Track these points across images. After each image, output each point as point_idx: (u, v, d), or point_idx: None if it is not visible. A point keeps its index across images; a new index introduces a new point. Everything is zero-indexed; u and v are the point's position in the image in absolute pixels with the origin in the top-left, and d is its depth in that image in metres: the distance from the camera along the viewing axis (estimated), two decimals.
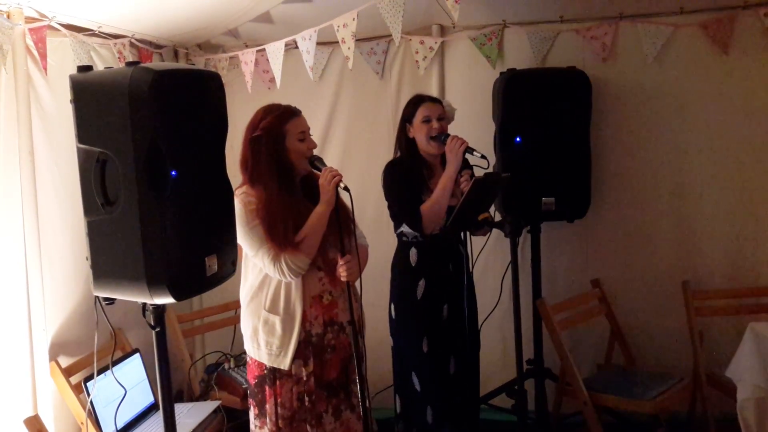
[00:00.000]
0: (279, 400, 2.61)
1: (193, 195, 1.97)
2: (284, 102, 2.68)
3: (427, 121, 3.05)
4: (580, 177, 3.49)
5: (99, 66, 3.20)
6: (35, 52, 2.90)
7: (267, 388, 2.63)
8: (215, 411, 3.34)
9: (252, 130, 2.58)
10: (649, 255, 3.80)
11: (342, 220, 2.60)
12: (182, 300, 1.99)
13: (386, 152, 3.24)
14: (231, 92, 3.18)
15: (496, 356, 3.87)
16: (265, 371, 2.63)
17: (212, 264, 2.04)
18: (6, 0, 2.70)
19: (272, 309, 2.59)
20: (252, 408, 2.71)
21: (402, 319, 3.12)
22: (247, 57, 3.84)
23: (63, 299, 3.08)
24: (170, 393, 2.14)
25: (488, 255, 3.61)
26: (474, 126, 3.58)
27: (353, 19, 3.23)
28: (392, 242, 3.18)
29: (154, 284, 1.88)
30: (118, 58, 3.39)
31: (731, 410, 3.07)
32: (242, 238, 2.50)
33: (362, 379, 2.56)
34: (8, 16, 2.75)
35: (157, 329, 2.10)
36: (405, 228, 3.07)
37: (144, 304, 2.05)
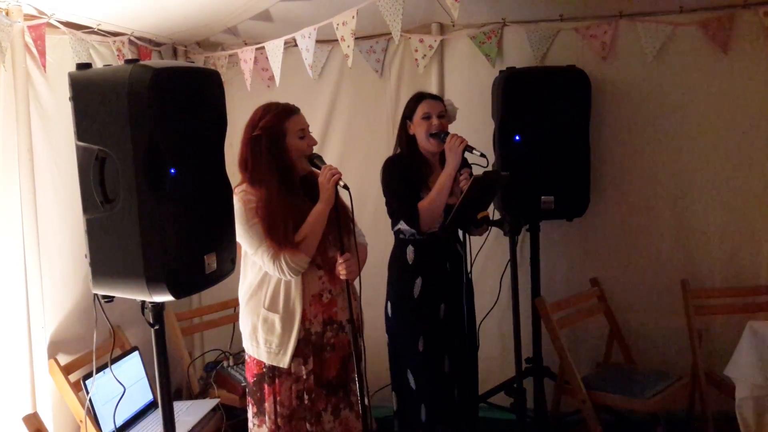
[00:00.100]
0: (278, 399, 2.61)
1: (192, 193, 1.97)
2: (283, 100, 2.68)
3: (427, 117, 3.05)
4: (580, 176, 3.49)
5: (98, 63, 3.20)
6: (34, 50, 2.90)
7: (266, 386, 2.63)
8: (214, 409, 3.34)
9: (251, 130, 2.58)
10: (648, 254, 3.80)
11: (341, 218, 2.60)
12: (181, 298, 1.99)
13: (385, 151, 3.24)
14: (230, 90, 3.19)
15: (495, 355, 3.87)
16: (264, 369, 2.63)
17: (211, 262, 2.04)
18: None
19: (272, 307, 2.59)
20: (250, 406, 2.71)
21: (398, 318, 3.12)
22: (247, 55, 3.83)
23: (62, 297, 3.08)
24: (169, 391, 2.15)
25: (487, 254, 3.61)
26: (473, 124, 3.58)
27: (353, 17, 3.23)
28: (391, 241, 3.18)
29: (153, 282, 1.88)
30: (117, 55, 3.38)
31: (730, 409, 3.07)
32: (242, 237, 2.50)
33: (361, 377, 2.56)
34: (7, 14, 2.75)
35: (156, 327, 2.10)
36: (402, 225, 3.07)
37: (143, 302, 2.05)
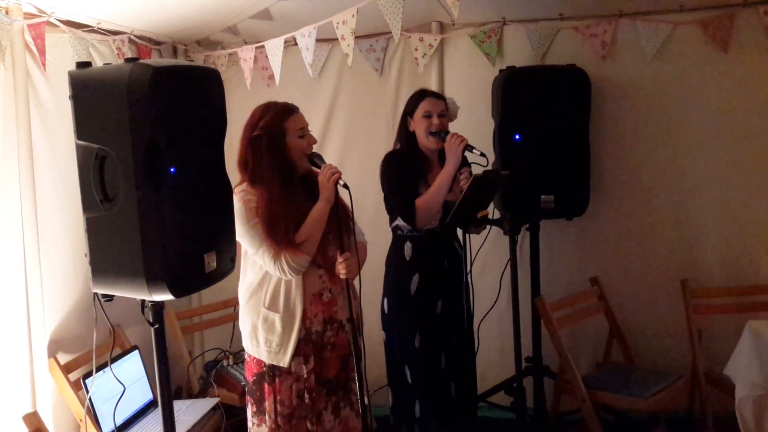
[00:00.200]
0: (278, 398, 2.61)
1: (192, 192, 1.97)
2: (283, 99, 2.68)
3: (427, 116, 3.05)
4: (579, 175, 3.49)
5: (98, 62, 3.20)
6: (34, 49, 2.90)
7: (266, 385, 2.63)
8: (214, 408, 3.34)
9: (251, 130, 2.57)
10: (647, 253, 3.80)
11: (341, 217, 2.60)
12: (181, 297, 1.99)
13: (385, 149, 3.23)
14: (230, 89, 3.19)
15: (494, 354, 3.87)
16: (264, 369, 2.63)
17: (211, 261, 2.04)
18: None
19: (272, 306, 2.59)
20: (250, 405, 2.71)
21: (394, 314, 3.12)
22: (247, 54, 3.83)
23: (62, 296, 3.08)
24: (169, 390, 2.15)
25: (487, 253, 3.60)
26: (473, 123, 3.58)
27: (353, 15, 3.23)
28: (390, 239, 3.18)
29: (152, 281, 1.88)
30: (117, 54, 3.38)
31: (729, 408, 3.07)
32: (242, 237, 2.50)
33: (361, 376, 2.56)
34: (7, 12, 2.75)
35: (156, 326, 2.10)
36: (400, 221, 3.07)
37: (143, 301, 2.05)
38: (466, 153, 3.01)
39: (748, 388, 2.97)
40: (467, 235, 3.05)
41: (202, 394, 3.67)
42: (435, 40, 3.81)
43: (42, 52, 2.91)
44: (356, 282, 2.65)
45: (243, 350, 2.76)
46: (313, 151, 2.65)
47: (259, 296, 2.61)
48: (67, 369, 2.99)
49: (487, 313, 3.46)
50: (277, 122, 2.56)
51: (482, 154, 2.99)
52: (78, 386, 2.99)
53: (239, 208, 2.46)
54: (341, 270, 2.58)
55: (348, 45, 3.29)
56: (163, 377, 2.11)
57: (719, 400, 3.39)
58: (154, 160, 1.85)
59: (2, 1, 2.73)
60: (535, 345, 3.66)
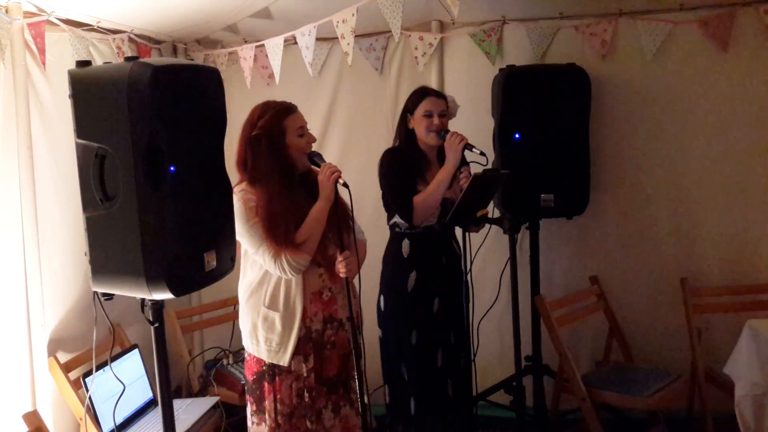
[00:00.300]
0: (278, 397, 2.61)
1: (192, 191, 1.97)
2: (283, 98, 2.67)
3: (428, 115, 3.05)
4: (579, 174, 3.48)
5: (98, 61, 3.20)
6: (34, 47, 2.90)
7: (266, 384, 2.63)
8: (214, 407, 3.34)
9: (250, 130, 2.57)
10: (647, 252, 3.80)
11: (341, 216, 2.60)
12: (181, 296, 1.99)
13: (385, 148, 3.23)
14: (230, 88, 3.19)
15: (494, 352, 3.87)
16: (264, 367, 2.63)
17: (211, 260, 2.04)
18: None
19: (272, 305, 2.59)
20: (249, 404, 2.71)
21: (391, 311, 3.12)
22: (246, 52, 3.83)
23: (61, 295, 3.08)
24: (169, 389, 2.15)
25: (487, 251, 3.61)
26: (473, 122, 3.58)
27: (352, 14, 3.23)
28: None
29: (152, 280, 1.89)
30: (117, 53, 3.38)
31: (729, 407, 3.07)
32: (242, 236, 2.50)
33: (361, 375, 2.56)
34: (7, 11, 2.75)
35: (156, 325, 2.10)
36: (398, 219, 3.07)
37: (143, 300, 2.06)
38: (466, 152, 3.01)
39: (747, 386, 2.97)
40: (467, 234, 3.05)
41: (202, 393, 3.67)
42: (435, 39, 3.81)
43: (42, 50, 2.91)
44: (356, 280, 2.65)
45: (243, 349, 2.76)
46: (313, 149, 2.65)
47: (259, 295, 2.61)
48: (67, 368, 3.00)
49: (487, 311, 3.47)
50: (276, 121, 2.56)
51: (482, 153, 2.99)
52: (78, 385, 2.99)
53: (239, 208, 2.46)
54: (341, 269, 2.58)
55: (348, 44, 3.29)
56: (162, 376, 2.12)
57: (719, 398, 3.39)
58: (154, 159, 1.85)
59: (2, 0, 2.73)
60: (535, 344, 3.66)
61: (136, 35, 3.57)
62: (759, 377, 2.93)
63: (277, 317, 2.58)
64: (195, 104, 2.00)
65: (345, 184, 2.54)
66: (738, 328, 3.12)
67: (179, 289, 1.94)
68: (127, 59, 1.88)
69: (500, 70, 3.58)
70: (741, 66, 3.57)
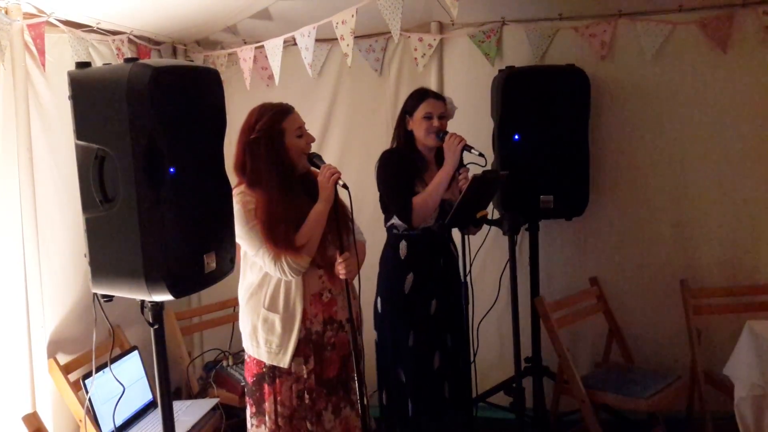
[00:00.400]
0: (278, 398, 2.61)
1: (192, 192, 1.97)
2: (283, 99, 2.67)
3: (428, 117, 3.05)
4: (579, 175, 3.49)
5: (97, 62, 3.20)
6: (33, 49, 2.90)
7: (266, 386, 2.63)
8: (213, 408, 3.34)
9: (248, 133, 2.56)
10: (647, 253, 3.80)
11: (340, 217, 2.60)
12: (180, 297, 1.99)
13: (384, 149, 3.23)
14: (229, 89, 3.19)
15: (494, 354, 3.87)
16: (264, 369, 2.63)
17: (211, 261, 2.04)
18: None
19: (271, 307, 2.59)
20: (249, 406, 2.70)
21: (388, 313, 3.12)
22: (246, 54, 3.83)
23: (61, 296, 3.08)
24: (169, 390, 2.15)
25: (486, 253, 3.61)
26: (472, 123, 3.57)
27: (352, 15, 3.23)
28: None
29: (152, 281, 1.88)
30: (117, 54, 3.38)
31: (729, 408, 3.07)
32: (242, 239, 2.49)
33: (361, 376, 2.56)
34: (6, 12, 2.75)
35: (156, 326, 2.10)
36: (396, 220, 3.07)
37: (142, 302, 2.05)
38: (465, 153, 3.01)
39: (747, 388, 2.97)
40: (466, 238, 3.04)
41: (202, 394, 3.66)
42: (434, 40, 3.81)
43: (41, 52, 2.91)
44: (355, 281, 2.65)
45: (242, 351, 2.76)
46: (312, 150, 2.65)
47: (259, 297, 2.61)
48: (66, 369, 2.99)
49: (487, 313, 3.47)
50: (274, 123, 2.55)
51: (481, 154, 3.00)
52: (78, 387, 2.99)
53: (238, 211, 2.45)
54: (341, 270, 2.58)
55: (347, 45, 3.29)
56: (162, 378, 2.11)
57: (718, 400, 3.39)
58: (154, 161, 1.85)
59: (2, 1, 2.73)
60: (535, 345, 3.66)
61: (135, 36, 3.57)
62: (758, 378, 2.93)
63: (277, 319, 2.58)
64: (195, 105, 2.00)
65: (345, 186, 2.54)
66: (737, 330, 3.12)
67: (179, 290, 1.94)
68: (127, 60, 1.88)
69: (500, 71, 3.58)
70: (740, 67, 3.57)
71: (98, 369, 2.93)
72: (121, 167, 1.85)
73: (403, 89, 3.85)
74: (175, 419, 2.19)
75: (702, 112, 3.65)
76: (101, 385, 2.99)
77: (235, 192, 2.50)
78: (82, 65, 1.93)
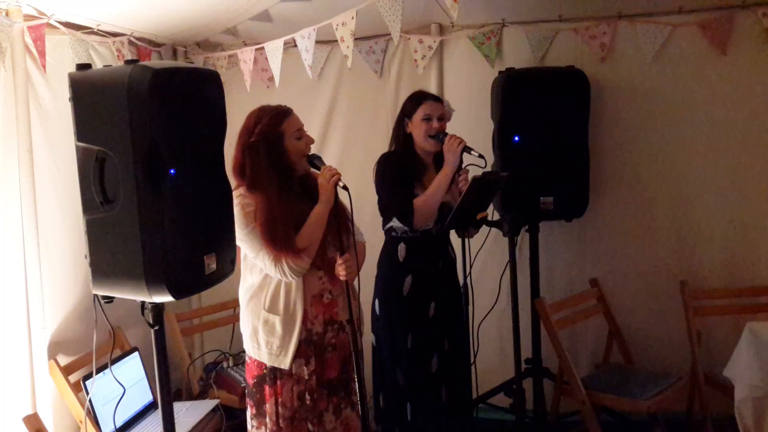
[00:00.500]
0: (279, 400, 2.61)
1: (192, 193, 1.97)
2: (283, 101, 2.67)
3: (427, 119, 3.05)
4: (579, 176, 3.49)
5: (98, 64, 3.20)
6: (34, 50, 2.90)
7: (267, 387, 2.63)
8: (214, 410, 3.34)
9: (247, 136, 2.56)
10: (647, 254, 3.80)
11: (340, 218, 2.60)
12: (181, 298, 1.99)
13: (384, 151, 3.23)
14: (230, 91, 3.18)
15: (494, 355, 3.87)
16: (265, 371, 2.63)
17: (211, 262, 2.04)
18: None
19: (272, 309, 2.59)
20: (249, 407, 2.70)
21: (386, 315, 3.11)
22: (246, 55, 3.84)
23: (62, 297, 3.08)
24: (169, 391, 2.15)
25: (486, 254, 3.61)
26: (472, 125, 3.58)
27: (352, 17, 3.23)
28: None
29: (152, 282, 1.88)
30: (117, 56, 3.39)
31: (729, 410, 3.07)
32: (242, 241, 2.49)
33: (361, 377, 2.56)
34: (7, 14, 2.76)
35: (156, 328, 2.10)
36: (395, 223, 3.07)
37: (143, 303, 2.05)
38: (465, 155, 3.01)
39: (747, 389, 2.98)
40: (467, 241, 3.04)
41: (202, 395, 3.67)
42: (434, 41, 3.81)
43: (42, 54, 2.91)
44: (355, 282, 2.65)
45: (243, 352, 2.76)
46: (312, 152, 2.65)
47: (260, 299, 2.61)
48: (67, 371, 3.00)
49: (487, 314, 3.46)
50: (273, 126, 2.55)
51: (481, 156, 2.99)
52: (78, 388, 2.99)
53: (237, 213, 2.45)
54: (341, 272, 2.58)
55: (347, 47, 3.29)
56: (163, 379, 2.11)
57: (719, 401, 3.39)
58: (154, 162, 1.85)
59: (2, 3, 2.73)
60: (535, 346, 3.66)
61: (136, 38, 3.57)
62: (759, 380, 2.93)
63: (277, 320, 2.58)
64: (195, 107, 2.00)
65: (345, 187, 2.54)
66: (738, 331, 3.12)
67: (179, 291, 1.94)
68: (127, 62, 1.88)
69: (500, 72, 3.59)
70: (740, 68, 3.58)
71: (99, 370, 2.93)
72: (121, 169, 1.85)
73: (403, 91, 3.85)
74: (176, 420, 2.19)
75: (702, 113, 3.66)
76: (102, 387, 2.99)
77: (233, 195, 2.50)
78: (83, 67, 1.94)
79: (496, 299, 3.53)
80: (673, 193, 3.74)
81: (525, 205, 3.45)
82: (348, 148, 4.02)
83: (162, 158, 1.86)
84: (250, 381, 2.68)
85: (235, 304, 3.03)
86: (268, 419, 2.63)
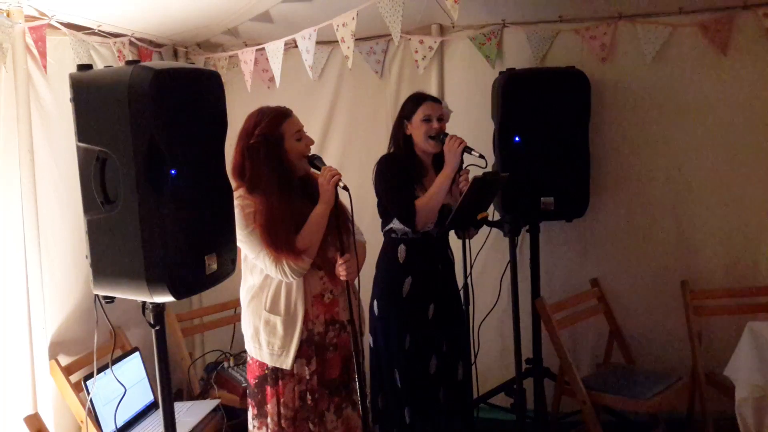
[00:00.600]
0: (281, 400, 2.61)
1: (193, 194, 1.98)
2: (283, 101, 2.68)
3: (427, 120, 3.05)
4: (579, 176, 3.49)
5: (99, 65, 3.21)
6: (35, 51, 2.90)
7: (268, 388, 2.63)
8: (215, 410, 3.34)
9: (247, 138, 2.56)
10: (647, 254, 3.80)
11: (341, 219, 2.60)
12: (182, 298, 2.00)
13: (385, 151, 3.24)
14: (230, 91, 3.17)
15: (495, 355, 3.87)
16: (267, 371, 2.63)
17: (212, 263, 2.04)
18: None
19: (273, 309, 2.59)
20: (251, 408, 2.71)
21: (385, 316, 3.11)
22: (247, 56, 3.84)
23: (63, 298, 3.08)
24: (170, 392, 2.15)
25: (487, 254, 3.62)
26: (473, 125, 3.59)
27: (353, 18, 3.24)
28: None
29: (153, 283, 1.89)
30: (118, 56, 3.39)
31: (730, 409, 3.07)
32: (242, 242, 2.49)
33: (362, 376, 2.56)
34: (8, 15, 2.76)
35: (157, 328, 2.10)
36: (395, 224, 3.07)
37: (144, 303, 2.06)
38: (465, 155, 3.01)
39: (748, 389, 2.98)
40: (467, 242, 3.04)
41: (203, 395, 3.67)
42: (435, 42, 3.81)
43: (43, 54, 2.92)
44: (356, 282, 2.65)
45: (243, 352, 2.76)
46: (313, 152, 2.65)
47: (260, 299, 2.61)
48: (68, 371, 3.00)
49: (488, 314, 3.47)
50: (273, 128, 2.55)
51: (481, 156, 3.00)
52: (79, 388, 2.99)
53: (236, 214, 2.45)
54: (341, 272, 2.58)
55: (348, 47, 3.29)
56: (163, 379, 2.12)
57: (719, 401, 3.39)
58: (155, 162, 1.86)
59: (3, 3, 2.74)
60: (536, 346, 3.66)
61: (136, 39, 3.58)
62: (759, 379, 2.93)
63: (278, 321, 2.58)
64: (196, 107, 2.00)
65: (345, 187, 2.54)
66: (738, 331, 3.12)
67: (180, 291, 1.94)
68: (128, 63, 1.88)
69: (500, 73, 3.58)
70: (740, 69, 3.57)
71: (99, 370, 2.94)
72: (122, 169, 1.86)
73: (404, 91, 3.85)
74: (177, 420, 2.19)
75: (702, 114, 3.66)
76: (102, 387, 3.00)
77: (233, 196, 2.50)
78: (84, 68, 1.94)
79: (497, 299, 3.54)
80: (673, 193, 3.74)
81: (525, 206, 3.45)
82: (348, 149, 4.03)
83: (163, 159, 1.86)
84: (252, 381, 2.69)
85: (235, 304, 3.04)
86: (269, 420, 2.63)
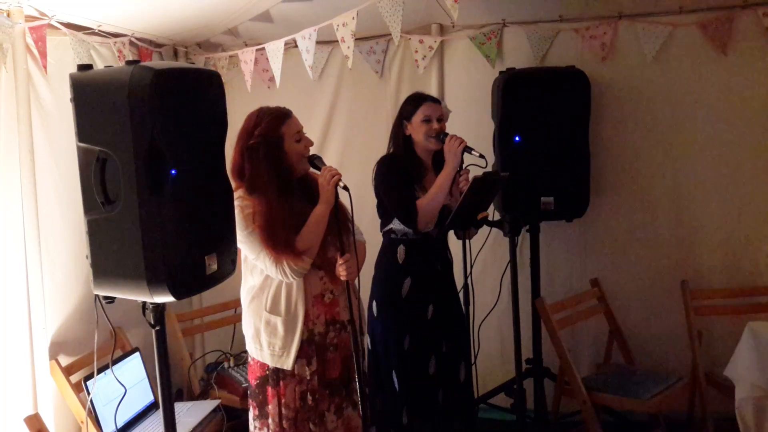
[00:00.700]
0: (283, 401, 2.61)
1: (193, 194, 1.97)
2: (284, 101, 2.67)
3: (427, 120, 3.05)
4: (579, 176, 3.49)
5: (99, 65, 3.21)
6: (35, 51, 2.90)
7: (269, 388, 2.63)
8: (215, 410, 3.34)
9: (246, 138, 2.55)
10: (648, 254, 3.80)
11: (341, 219, 2.60)
12: (182, 299, 1.99)
13: (385, 151, 3.24)
14: (231, 91, 3.18)
15: (495, 355, 3.87)
16: (268, 372, 2.63)
17: (212, 263, 2.04)
18: None
19: (273, 310, 2.59)
20: (252, 409, 2.70)
21: (384, 316, 3.11)
22: (247, 56, 3.84)
23: (63, 298, 3.08)
24: (170, 392, 2.15)
25: (487, 254, 3.62)
26: (473, 125, 3.59)
27: (353, 18, 3.24)
28: None
29: (153, 283, 1.89)
30: (118, 56, 3.39)
31: (730, 409, 3.07)
32: (242, 243, 2.49)
33: (362, 376, 2.56)
34: (8, 15, 2.76)
35: (157, 328, 2.10)
36: (395, 225, 3.07)
37: (144, 303, 2.06)
38: (466, 155, 3.01)
39: (748, 389, 2.98)
40: (467, 242, 3.04)
41: (203, 396, 3.67)
42: (435, 42, 3.81)
43: (43, 54, 2.92)
44: (356, 282, 2.65)
45: (244, 352, 2.76)
46: (313, 152, 2.65)
47: (261, 300, 2.61)
48: (68, 371, 3.00)
49: (488, 314, 3.47)
50: (272, 129, 2.55)
51: (481, 156, 2.99)
52: (79, 388, 2.99)
53: (236, 215, 2.44)
54: (341, 272, 2.58)
55: (348, 47, 3.29)
56: (164, 379, 2.12)
57: (719, 401, 3.39)
58: (155, 162, 1.85)
59: (4, 3, 2.74)
60: (536, 346, 3.66)
61: (137, 39, 3.58)
62: (759, 379, 2.93)
63: (279, 321, 2.58)
64: (196, 107, 2.00)
65: (345, 187, 2.54)
66: (738, 331, 3.12)
67: (180, 292, 1.94)
68: (128, 63, 1.88)
69: (500, 72, 3.59)
70: (740, 68, 3.58)
71: (100, 370, 2.94)
72: (122, 169, 1.85)
73: (404, 91, 3.85)
74: (177, 421, 2.19)
75: (702, 113, 3.66)
76: (103, 387, 3.00)
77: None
78: (84, 68, 1.94)
79: (497, 299, 3.54)
80: (673, 193, 3.74)
81: (525, 205, 3.45)
82: (348, 149, 4.03)
83: (163, 159, 1.86)
84: (253, 382, 2.69)
85: (236, 304, 3.03)
86: (270, 420, 2.63)
